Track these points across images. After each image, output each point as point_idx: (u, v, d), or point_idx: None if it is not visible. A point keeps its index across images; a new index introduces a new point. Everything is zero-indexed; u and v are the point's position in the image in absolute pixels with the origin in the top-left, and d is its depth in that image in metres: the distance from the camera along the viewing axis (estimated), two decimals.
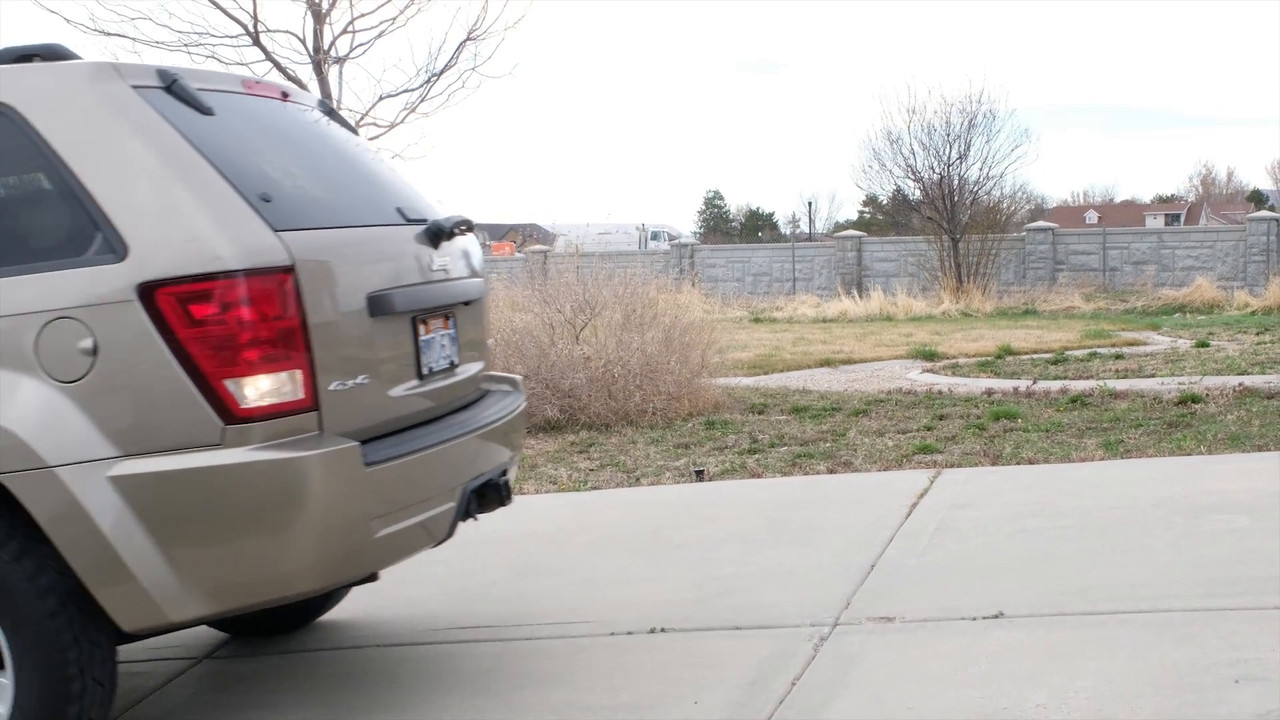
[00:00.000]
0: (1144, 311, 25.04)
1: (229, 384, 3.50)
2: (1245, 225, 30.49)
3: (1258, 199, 71.35)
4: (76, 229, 3.60)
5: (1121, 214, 72.91)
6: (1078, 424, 9.49)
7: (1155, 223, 64.77)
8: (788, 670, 4.31)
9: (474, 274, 4.67)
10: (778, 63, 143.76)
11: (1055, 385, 11.98)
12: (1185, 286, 27.62)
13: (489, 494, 4.35)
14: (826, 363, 15.90)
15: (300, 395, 3.60)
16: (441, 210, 4.57)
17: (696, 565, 5.79)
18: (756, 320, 25.61)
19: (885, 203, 43.09)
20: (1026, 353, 16.22)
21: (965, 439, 9.10)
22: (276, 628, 5.21)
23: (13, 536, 3.55)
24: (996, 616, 4.68)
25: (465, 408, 4.48)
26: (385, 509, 3.80)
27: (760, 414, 11.05)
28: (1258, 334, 17.97)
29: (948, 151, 30.81)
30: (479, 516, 4.38)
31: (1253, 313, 23.23)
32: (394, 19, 14.39)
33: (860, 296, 28.63)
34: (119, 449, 3.49)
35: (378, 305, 3.93)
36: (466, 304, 4.57)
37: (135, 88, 3.74)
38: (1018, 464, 8.03)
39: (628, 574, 5.72)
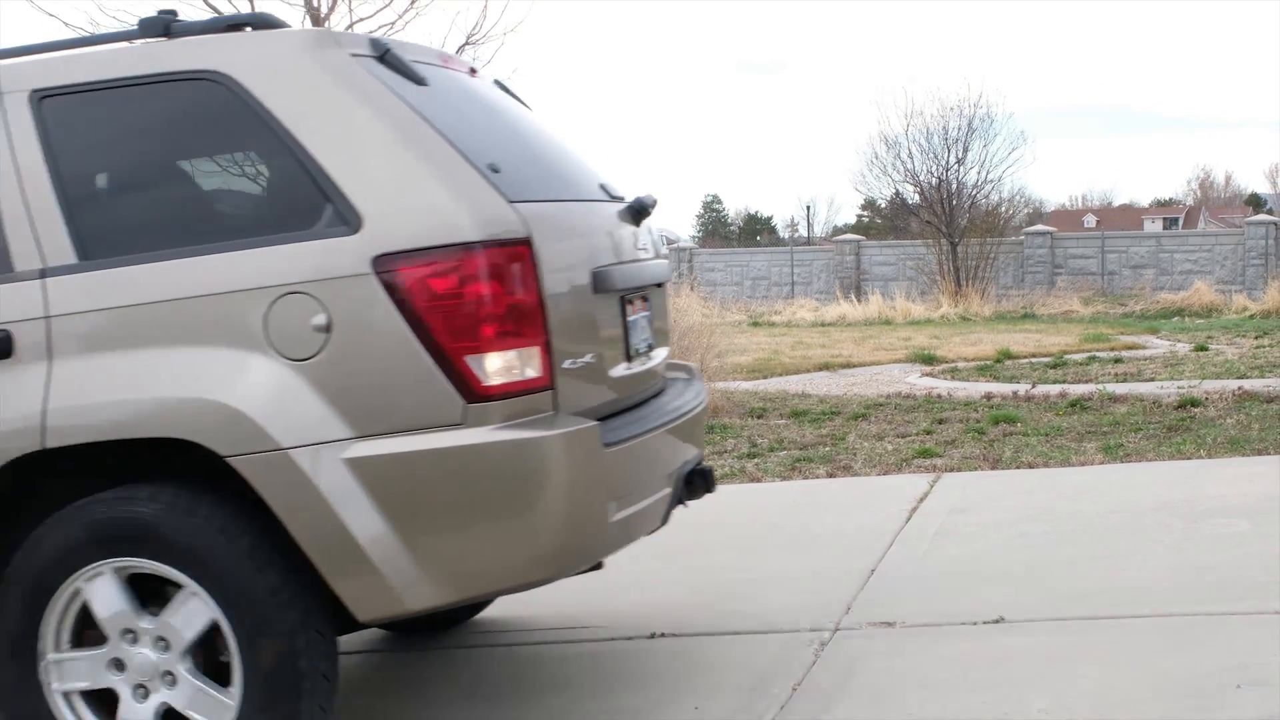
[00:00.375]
0: (1142, 315, 25.06)
1: (470, 360, 3.31)
2: (1244, 229, 30.55)
3: (1255, 202, 71.39)
4: (304, 201, 3.44)
5: (1119, 218, 72.96)
6: (1077, 428, 9.49)
7: (1153, 226, 64.87)
8: (788, 676, 4.30)
9: (659, 255, 4.54)
10: (778, 64, 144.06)
11: (1054, 389, 11.98)
12: (1184, 290, 27.67)
13: (697, 480, 4.21)
14: (825, 366, 15.90)
15: (538, 373, 3.42)
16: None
17: (695, 570, 5.78)
18: (755, 324, 25.61)
19: (884, 207, 43.17)
20: (1025, 356, 16.22)
21: (965, 443, 9.09)
22: (440, 626, 5.09)
23: (246, 529, 3.37)
24: (997, 621, 4.67)
25: (660, 393, 4.35)
26: (619, 492, 3.64)
27: (759, 418, 11.04)
28: (1256, 338, 17.98)
29: (946, 155, 30.89)
30: (688, 503, 4.24)
31: (1251, 316, 23.24)
32: (393, 23, 14.39)
33: (859, 300, 28.65)
34: (354, 430, 3.31)
35: (600, 281, 3.79)
36: (658, 285, 4.46)
37: (353, 56, 3.59)
38: (1017, 468, 8.02)
39: (626, 579, 5.70)
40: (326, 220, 3.39)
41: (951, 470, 7.95)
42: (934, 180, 30.97)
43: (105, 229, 3.59)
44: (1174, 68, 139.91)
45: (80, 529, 3.45)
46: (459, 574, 3.40)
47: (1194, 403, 10.34)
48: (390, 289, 3.31)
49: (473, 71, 4.33)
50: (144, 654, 3.49)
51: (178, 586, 3.45)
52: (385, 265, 3.32)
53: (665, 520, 4.07)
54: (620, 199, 4.27)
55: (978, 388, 12.63)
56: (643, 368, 4.17)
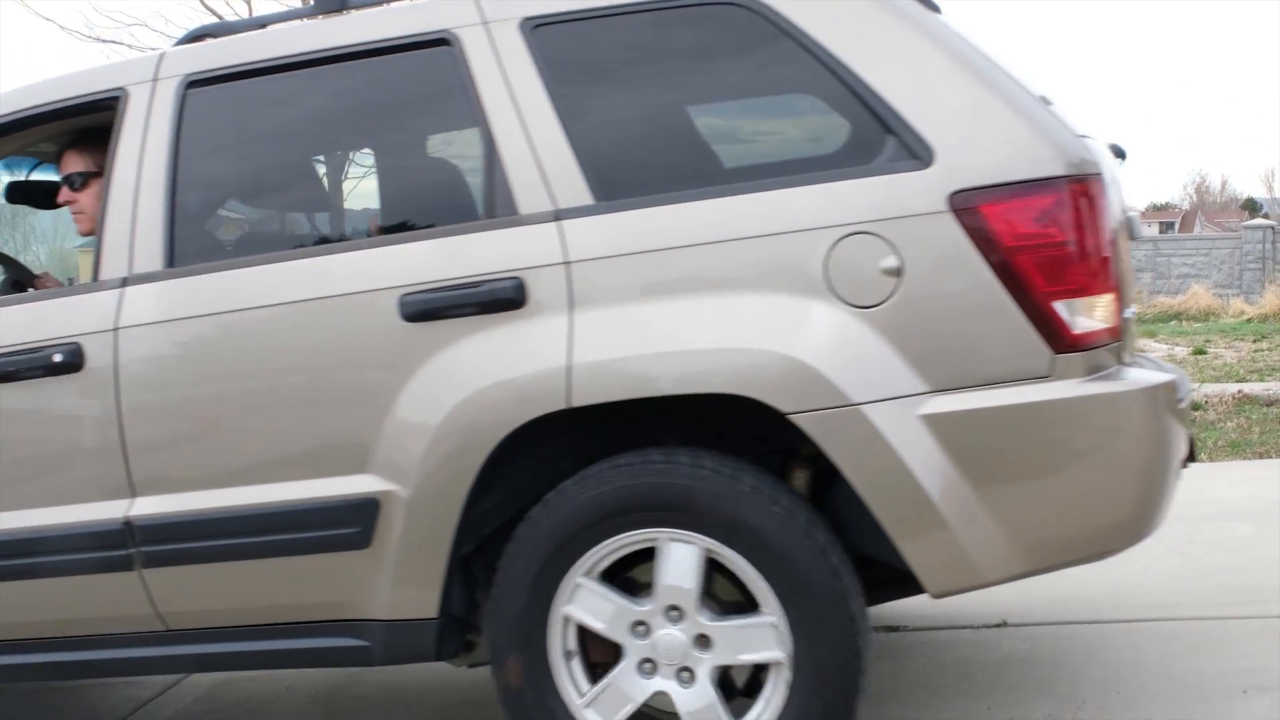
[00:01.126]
0: (1140, 319, 25.05)
1: (1059, 307, 3.01)
2: (1241, 233, 30.58)
3: (1252, 207, 71.47)
4: (861, 132, 3.17)
5: None
6: None
7: (1150, 230, 64.85)
8: None
9: None
10: None
11: None
12: (1181, 294, 27.66)
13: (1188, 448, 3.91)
14: None
15: (1113, 322, 3.10)
16: None
17: None
18: None
19: None
20: None
21: None
22: None
23: (779, 489, 3.12)
24: (1000, 625, 4.65)
25: None
26: (1178, 453, 3.34)
27: None
28: (1255, 341, 18.00)
29: None
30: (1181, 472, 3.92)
31: (1249, 320, 23.24)
32: None
33: None
34: (930, 384, 3.01)
35: (1132, 227, 3.52)
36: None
37: None
38: None
39: None
40: (890, 153, 3.10)
41: None
42: None
43: (623, 167, 3.29)
44: (1170, 71, 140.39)
45: (619, 493, 3.15)
46: (1039, 541, 3.10)
47: (1194, 406, 10.32)
48: (969, 228, 3.02)
49: None
50: (667, 634, 3.20)
51: (643, 560, 3.20)
52: (964, 202, 3.03)
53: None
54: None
55: None
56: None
